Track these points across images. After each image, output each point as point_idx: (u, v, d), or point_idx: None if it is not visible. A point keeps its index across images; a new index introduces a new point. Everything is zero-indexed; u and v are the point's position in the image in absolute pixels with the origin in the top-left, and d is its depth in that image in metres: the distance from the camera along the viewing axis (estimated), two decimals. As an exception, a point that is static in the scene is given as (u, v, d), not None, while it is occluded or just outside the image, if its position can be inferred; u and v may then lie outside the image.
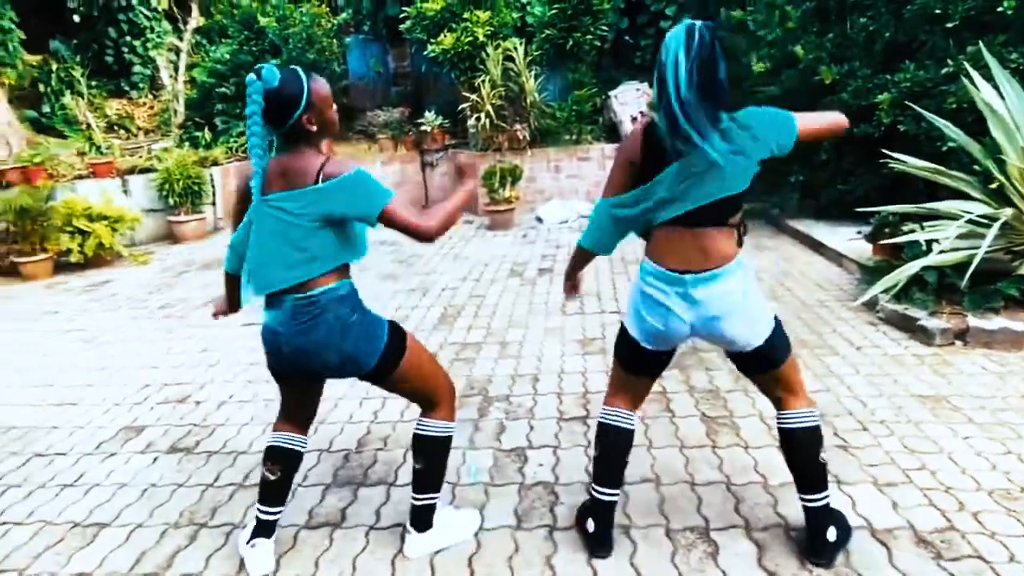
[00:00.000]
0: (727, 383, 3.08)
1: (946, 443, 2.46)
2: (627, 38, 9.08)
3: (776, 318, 1.87)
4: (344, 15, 9.35)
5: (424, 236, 1.74)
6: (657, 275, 1.80)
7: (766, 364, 1.87)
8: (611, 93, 8.20)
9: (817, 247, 5.41)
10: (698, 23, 1.65)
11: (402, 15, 8.30)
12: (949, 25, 4.59)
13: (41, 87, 10.62)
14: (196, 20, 9.34)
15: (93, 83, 11.03)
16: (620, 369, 2.00)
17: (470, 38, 7.48)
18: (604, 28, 7.71)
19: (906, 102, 4.58)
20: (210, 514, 2.33)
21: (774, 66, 5.98)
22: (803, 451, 1.88)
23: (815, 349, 3.42)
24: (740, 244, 1.83)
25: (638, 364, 1.95)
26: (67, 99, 8.89)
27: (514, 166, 7.13)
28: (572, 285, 2.19)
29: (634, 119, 7.75)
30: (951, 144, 4.03)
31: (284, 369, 1.90)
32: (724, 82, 1.65)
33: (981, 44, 3.85)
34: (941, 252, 3.58)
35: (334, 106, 1.82)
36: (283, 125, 1.70)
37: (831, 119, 1.84)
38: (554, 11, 7.47)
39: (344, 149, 9.53)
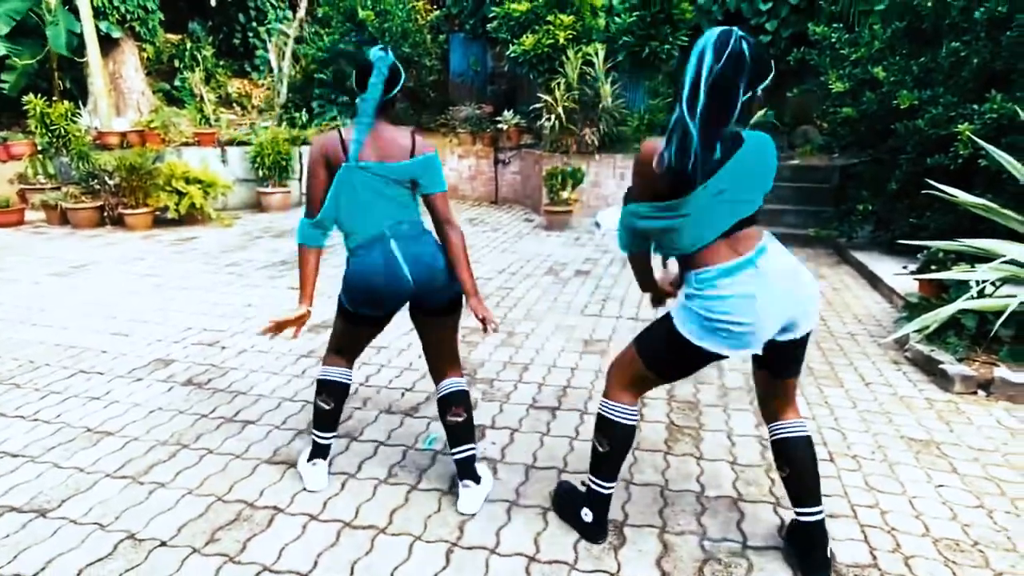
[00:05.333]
0: (710, 398, 3.04)
1: (914, 487, 2.33)
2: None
3: None
4: (437, 13, 9.76)
5: (450, 227, 2.12)
6: (721, 272, 1.64)
7: (801, 356, 1.82)
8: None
9: (873, 280, 5.10)
10: (737, 30, 1.49)
11: (491, 15, 8.58)
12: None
13: (176, 63, 11.93)
14: (303, 9, 10.05)
15: (221, 63, 12.22)
16: (652, 375, 1.87)
17: (551, 40, 7.62)
18: (685, 38, 7.58)
19: (969, 134, 4.24)
20: (194, 439, 2.63)
21: (854, 86, 5.68)
22: (804, 458, 1.85)
23: (820, 379, 3.28)
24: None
25: (685, 369, 1.85)
26: (187, 74, 9.90)
27: (576, 169, 7.19)
28: (654, 298, 2.12)
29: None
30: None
31: (390, 295, 2.07)
32: (742, 104, 1.52)
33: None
34: (982, 296, 3.33)
35: None
36: (388, 95, 2.04)
37: None
38: (633, 18, 7.42)
39: (427, 139, 9.97)
